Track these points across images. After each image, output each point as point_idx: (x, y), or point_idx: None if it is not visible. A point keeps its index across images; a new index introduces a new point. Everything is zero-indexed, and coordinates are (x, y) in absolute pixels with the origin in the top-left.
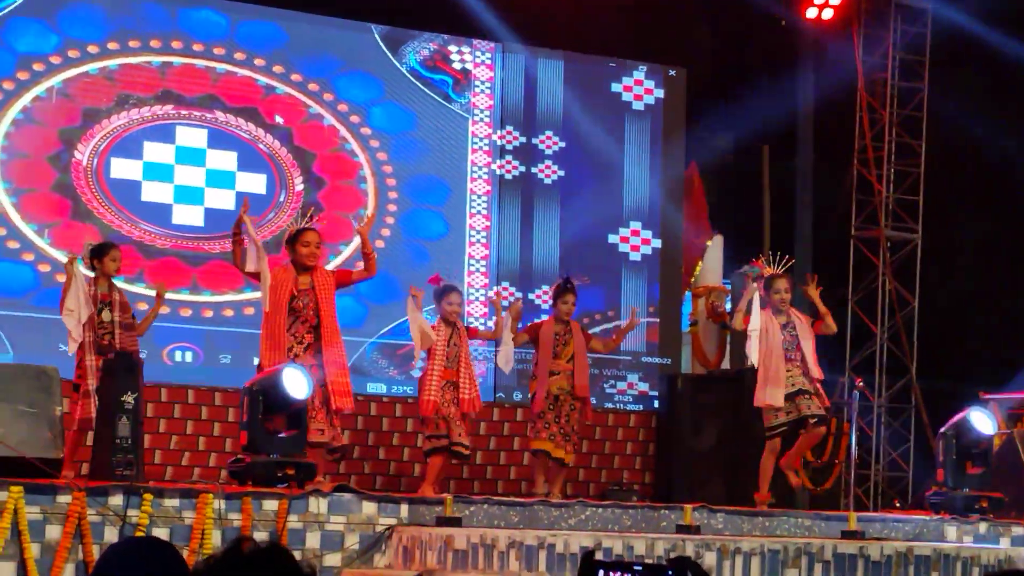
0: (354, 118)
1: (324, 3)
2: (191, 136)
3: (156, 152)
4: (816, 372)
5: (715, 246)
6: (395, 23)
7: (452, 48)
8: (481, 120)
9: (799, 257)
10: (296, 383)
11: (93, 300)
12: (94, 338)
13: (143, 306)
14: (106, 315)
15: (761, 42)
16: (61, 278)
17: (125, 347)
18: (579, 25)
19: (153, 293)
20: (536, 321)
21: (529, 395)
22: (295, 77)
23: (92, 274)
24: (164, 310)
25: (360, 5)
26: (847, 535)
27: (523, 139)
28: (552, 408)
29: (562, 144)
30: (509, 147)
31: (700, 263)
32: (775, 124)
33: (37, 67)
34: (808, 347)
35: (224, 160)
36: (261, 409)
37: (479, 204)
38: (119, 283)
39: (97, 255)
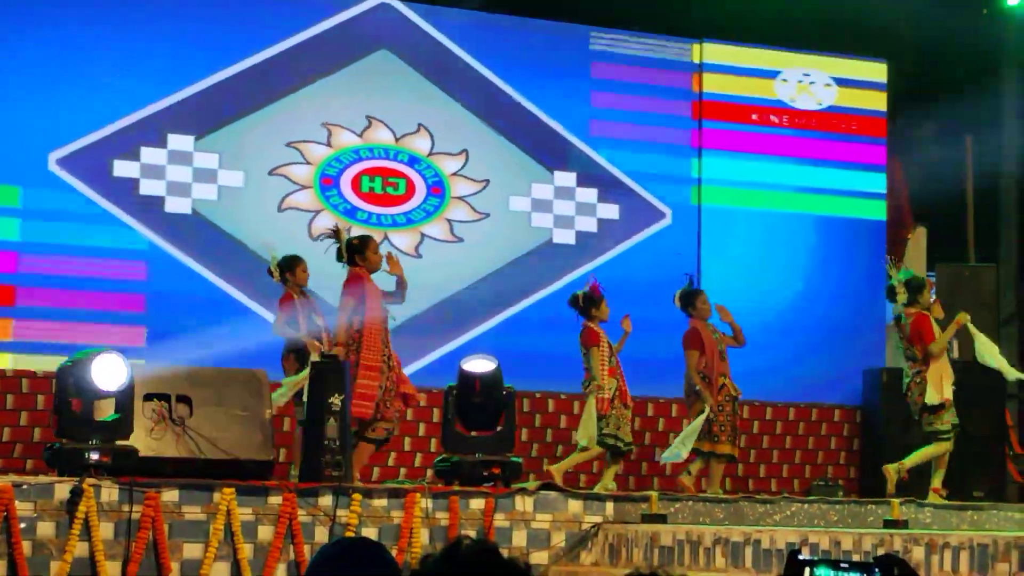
0: None
1: None
2: None
3: None
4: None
5: (918, 239)
6: None
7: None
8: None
9: (1004, 249)
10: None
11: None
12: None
13: None
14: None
15: (963, 31)
16: None
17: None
18: (782, 18)
19: None
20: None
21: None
22: None
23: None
24: None
25: None
26: None
27: None
28: None
29: None
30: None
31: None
32: (978, 114)
33: None
34: None
35: None
36: (453, 409)
37: None
38: None
39: (289, 267)
